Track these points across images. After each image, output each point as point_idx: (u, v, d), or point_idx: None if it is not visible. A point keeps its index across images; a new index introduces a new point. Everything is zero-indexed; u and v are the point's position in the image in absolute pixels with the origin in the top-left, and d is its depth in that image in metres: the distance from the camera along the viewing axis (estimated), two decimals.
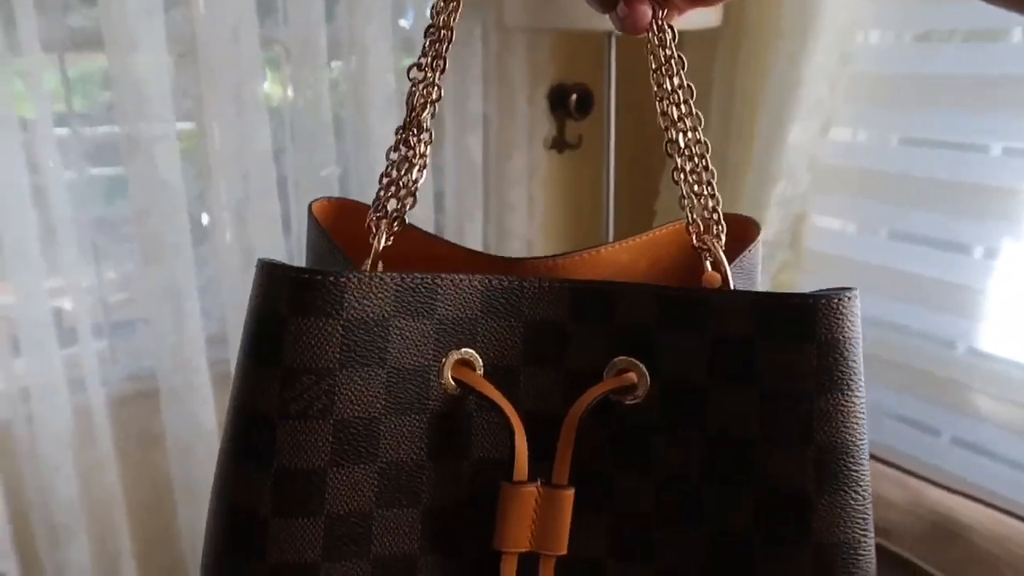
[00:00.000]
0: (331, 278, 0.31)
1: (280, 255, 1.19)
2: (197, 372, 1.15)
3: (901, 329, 1.24)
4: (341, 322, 0.31)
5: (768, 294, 0.33)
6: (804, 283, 1.33)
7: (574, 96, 1.44)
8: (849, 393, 0.32)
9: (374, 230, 0.35)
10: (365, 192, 1.24)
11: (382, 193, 0.35)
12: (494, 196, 1.41)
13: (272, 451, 0.31)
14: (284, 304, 0.31)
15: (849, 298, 0.32)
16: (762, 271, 1.28)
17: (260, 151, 1.14)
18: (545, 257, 0.38)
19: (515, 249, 1.42)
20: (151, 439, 1.18)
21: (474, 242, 1.37)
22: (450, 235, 1.35)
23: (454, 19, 0.34)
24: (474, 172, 1.35)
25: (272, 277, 0.31)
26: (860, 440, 0.32)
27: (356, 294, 0.31)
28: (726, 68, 1.29)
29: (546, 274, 0.38)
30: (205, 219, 1.18)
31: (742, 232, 0.40)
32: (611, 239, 1.42)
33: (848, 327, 0.32)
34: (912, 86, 1.18)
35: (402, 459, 0.33)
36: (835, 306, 0.32)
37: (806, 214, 1.29)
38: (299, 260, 1.24)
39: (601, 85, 1.32)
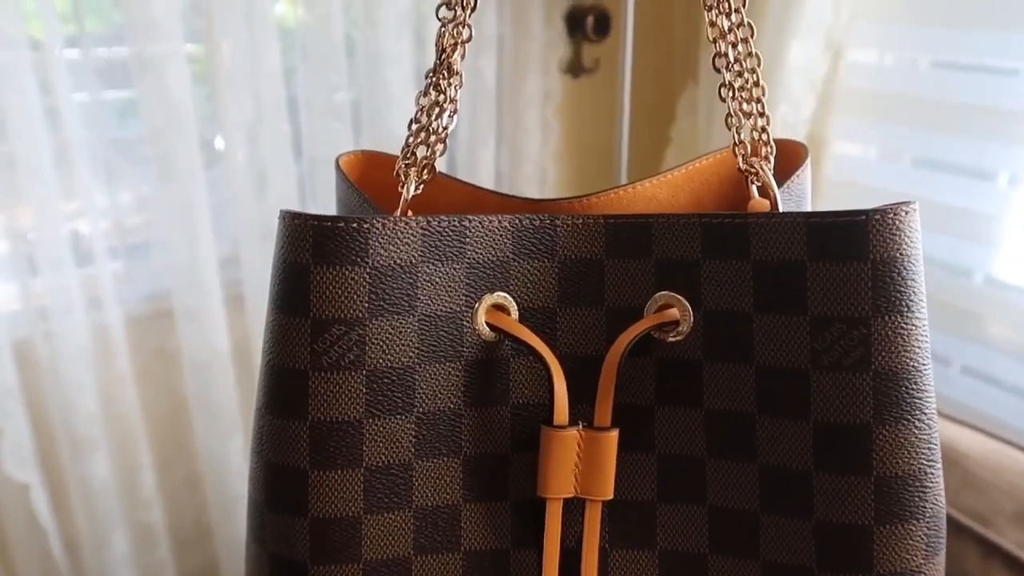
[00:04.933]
0: (354, 225, 0.30)
1: (291, 178, 1.19)
2: (210, 292, 1.16)
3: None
4: (367, 270, 0.30)
5: (817, 213, 0.30)
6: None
7: (591, 18, 1.40)
8: (909, 315, 0.29)
9: (403, 179, 0.34)
10: (378, 117, 1.23)
11: (411, 140, 0.34)
12: (508, 121, 1.39)
13: (306, 404, 0.30)
14: (308, 253, 0.30)
15: (906, 212, 0.30)
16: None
17: (271, 71, 1.13)
18: (579, 196, 0.36)
19: (529, 175, 1.40)
20: (167, 357, 1.20)
21: (487, 168, 1.36)
22: (462, 161, 1.34)
23: None
24: (487, 96, 1.33)
25: (294, 227, 0.30)
26: (922, 365, 0.30)
27: (381, 240, 0.30)
28: None
29: (580, 212, 0.36)
30: (219, 143, 1.18)
31: (789, 156, 0.37)
32: (625, 166, 1.40)
33: (905, 243, 0.29)
34: (943, 5, 1.13)
35: (439, 408, 0.32)
36: (889, 221, 0.29)
37: (824, 140, 1.27)
38: (310, 183, 1.24)
39: (620, 6, 1.29)
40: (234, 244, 1.22)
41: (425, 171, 0.34)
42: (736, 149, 0.35)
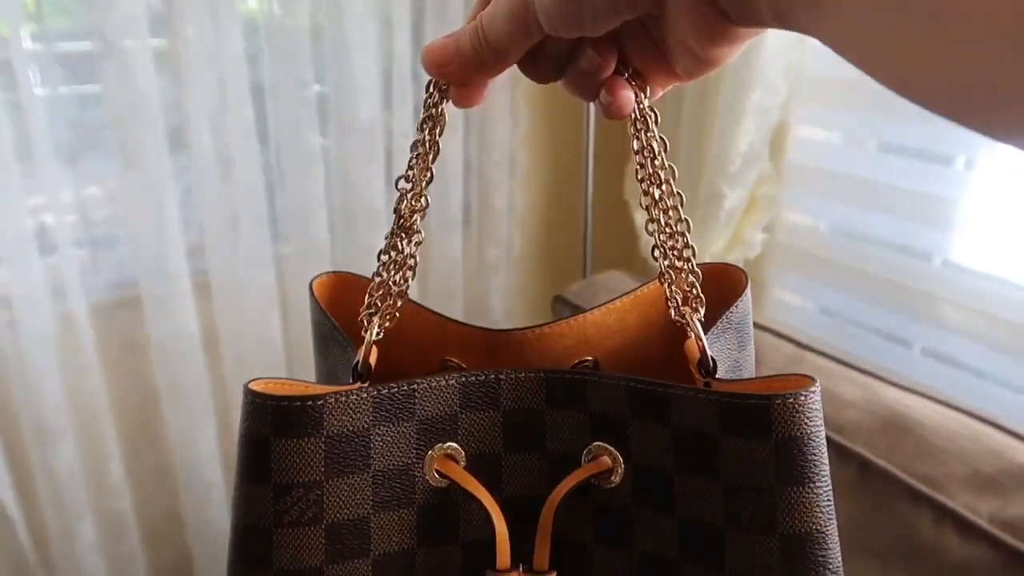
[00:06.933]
0: (309, 402, 0.33)
1: (255, 165, 1.18)
2: (178, 280, 1.16)
3: (881, 242, 1.24)
4: (323, 439, 0.33)
5: (725, 394, 0.33)
6: (785, 196, 1.33)
7: None
8: (811, 485, 0.32)
9: (366, 324, 0.37)
10: (344, 104, 1.23)
11: (373, 292, 0.38)
12: (475, 162, 1.40)
13: (270, 556, 0.34)
14: (268, 428, 0.33)
15: (805, 396, 0.32)
16: (740, 185, 1.27)
17: (235, 56, 1.12)
18: (532, 327, 0.40)
19: (497, 162, 1.41)
20: (135, 346, 1.20)
21: (454, 155, 1.36)
22: (434, 197, 1.35)
23: (439, 135, 0.37)
24: None
25: (256, 404, 0.34)
26: (825, 527, 0.32)
27: (335, 412, 0.34)
28: None
29: (532, 344, 0.40)
30: (183, 127, 1.18)
31: (729, 283, 0.40)
32: (592, 151, 1.41)
33: (805, 423, 0.32)
34: None
35: (394, 550, 0.35)
36: (790, 405, 0.32)
37: (788, 124, 1.28)
38: (277, 170, 1.24)
39: None
40: (200, 232, 1.21)
41: (387, 320, 0.38)
42: (668, 302, 0.38)
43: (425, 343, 0.41)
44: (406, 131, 1.29)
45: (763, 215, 1.30)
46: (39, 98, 1.03)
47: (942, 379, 1.19)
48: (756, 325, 1.13)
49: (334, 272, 0.43)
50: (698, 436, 0.33)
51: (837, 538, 0.33)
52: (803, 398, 0.32)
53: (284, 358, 1.28)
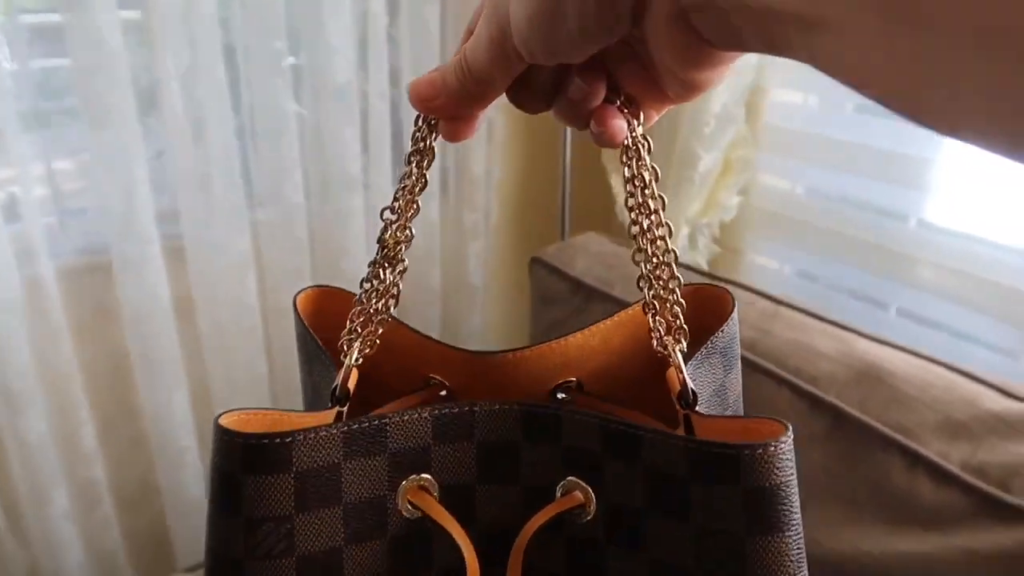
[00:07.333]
0: (278, 440, 0.33)
1: (229, 127, 1.17)
2: (149, 244, 1.14)
3: (857, 204, 1.25)
4: (292, 475, 0.33)
5: (694, 440, 0.33)
6: (762, 160, 1.33)
7: None
8: (780, 535, 0.32)
9: (345, 349, 0.37)
10: (318, 65, 1.21)
11: (354, 318, 0.38)
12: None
13: None
14: (238, 465, 0.33)
15: (774, 446, 0.32)
16: (715, 147, 1.26)
17: (205, 16, 1.10)
18: (513, 349, 0.40)
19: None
20: (106, 312, 1.18)
21: (431, 173, 1.35)
22: (405, 108, 1.33)
23: (426, 168, 0.37)
24: (431, 45, 1.31)
25: (225, 442, 0.33)
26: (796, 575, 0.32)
27: (305, 449, 0.33)
28: None
29: (514, 366, 0.40)
30: (154, 89, 1.16)
31: (716, 307, 0.40)
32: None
33: (775, 473, 0.31)
34: None
35: None
36: (759, 456, 0.31)
37: (764, 88, 1.28)
38: (250, 132, 1.22)
39: None
40: (173, 198, 1.19)
41: (367, 347, 0.38)
42: (652, 334, 0.37)
43: (407, 360, 0.41)
44: (382, 93, 1.28)
45: (738, 178, 1.30)
46: (8, 72, 1.01)
47: (917, 339, 1.20)
48: (731, 283, 1.13)
49: (318, 286, 0.43)
50: (668, 478, 0.33)
51: None
52: (772, 448, 0.31)
53: (261, 322, 1.27)
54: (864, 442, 0.80)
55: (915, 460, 0.77)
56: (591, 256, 1.16)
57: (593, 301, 1.09)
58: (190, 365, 1.23)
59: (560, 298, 1.15)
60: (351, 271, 1.33)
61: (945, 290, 1.17)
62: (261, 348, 1.29)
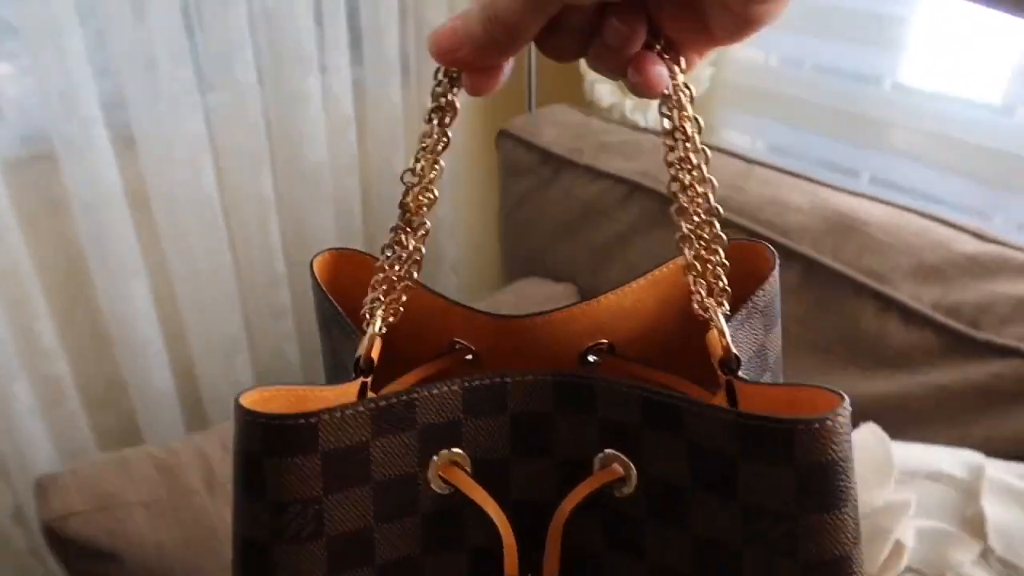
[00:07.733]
0: (302, 421, 0.31)
1: (172, 3, 1.10)
2: (94, 129, 1.08)
3: (831, 70, 1.22)
4: (318, 456, 0.32)
5: (744, 414, 0.31)
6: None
7: None
8: (835, 512, 0.30)
9: (368, 318, 0.36)
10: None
11: (376, 286, 0.36)
12: (411, 3, 1.32)
13: (271, 571, 0.32)
14: (261, 446, 0.31)
15: (831, 421, 0.29)
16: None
17: None
18: (541, 312, 0.38)
19: (434, 3, 1.33)
20: (55, 203, 1.13)
21: (391, 53, 1.30)
22: (369, 42, 1.27)
23: (448, 124, 0.34)
24: None
25: (247, 423, 0.32)
26: (850, 553, 0.30)
27: (330, 429, 0.32)
28: None
29: (541, 330, 0.38)
30: None
31: (755, 263, 0.37)
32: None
33: (831, 450, 0.29)
34: None
35: (399, 558, 0.34)
36: (815, 432, 0.29)
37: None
38: (195, 8, 1.15)
39: None
40: (117, 83, 1.13)
41: (391, 315, 0.36)
42: (692, 296, 0.35)
43: (431, 325, 0.39)
44: (339, 31, 1.21)
45: None
46: None
47: None
48: (708, 146, 1.10)
49: (336, 249, 0.41)
50: (715, 454, 0.31)
51: (862, 559, 0.31)
52: (829, 423, 0.29)
53: (221, 212, 1.23)
54: (835, 289, 0.79)
55: (887, 304, 0.76)
56: (559, 126, 1.12)
57: (563, 171, 1.06)
58: (148, 257, 1.19)
59: (528, 169, 1.12)
60: (314, 157, 1.28)
61: (918, 153, 1.15)
62: (224, 239, 1.25)
